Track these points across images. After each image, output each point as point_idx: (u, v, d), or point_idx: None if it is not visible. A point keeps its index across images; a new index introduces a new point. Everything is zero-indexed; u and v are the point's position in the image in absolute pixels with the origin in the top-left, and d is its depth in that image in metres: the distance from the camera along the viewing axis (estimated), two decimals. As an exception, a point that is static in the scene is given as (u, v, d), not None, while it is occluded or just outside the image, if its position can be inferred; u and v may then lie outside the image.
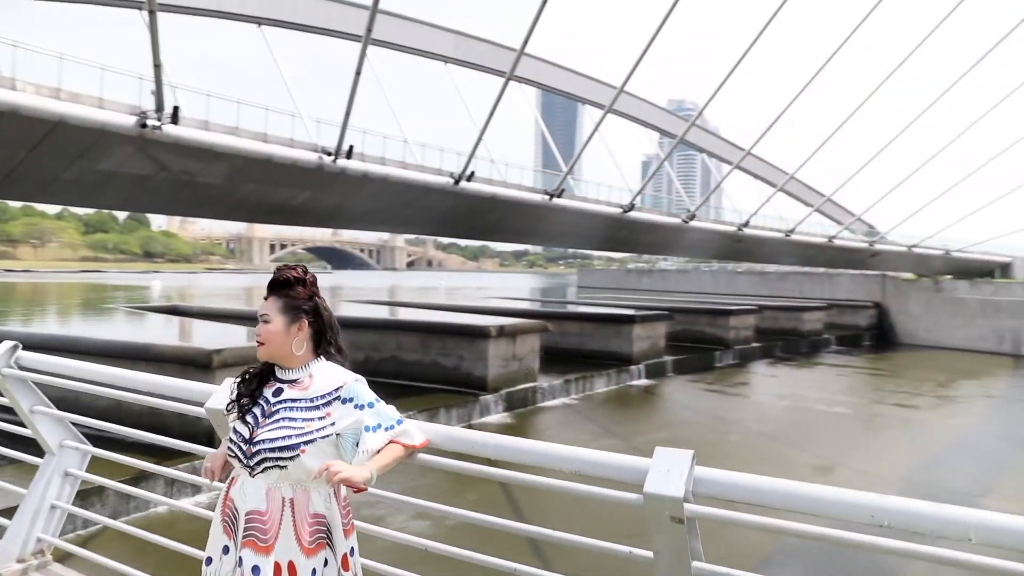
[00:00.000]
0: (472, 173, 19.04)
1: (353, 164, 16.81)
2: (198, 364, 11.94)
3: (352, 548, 2.08)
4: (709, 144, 34.54)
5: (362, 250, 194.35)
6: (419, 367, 17.60)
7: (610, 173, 28.36)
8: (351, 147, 16.62)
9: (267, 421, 2.03)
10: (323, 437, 2.00)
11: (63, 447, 3.04)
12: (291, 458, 1.96)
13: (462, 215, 22.06)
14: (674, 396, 21.13)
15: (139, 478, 8.97)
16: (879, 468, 13.76)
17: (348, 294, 42.76)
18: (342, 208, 20.05)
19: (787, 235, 31.12)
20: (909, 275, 42.01)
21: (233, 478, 2.09)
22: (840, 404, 20.73)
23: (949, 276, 41.30)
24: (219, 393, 2.45)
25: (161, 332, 17.71)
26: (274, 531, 1.96)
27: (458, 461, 2.18)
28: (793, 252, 35.28)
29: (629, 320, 22.83)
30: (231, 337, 15.68)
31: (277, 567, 1.94)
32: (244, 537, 1.97)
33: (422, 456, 2.14)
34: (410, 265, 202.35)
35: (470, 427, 13.97)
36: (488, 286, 67.95)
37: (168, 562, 3.64)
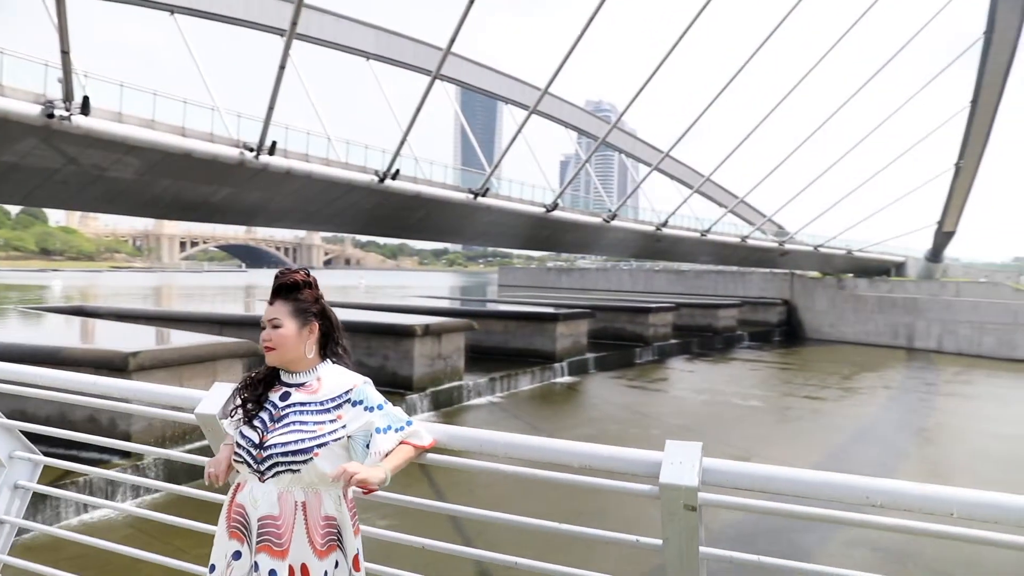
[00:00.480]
0: (397, 171, 18.84)
1: (276, 160, 16.37)
2: (113, 367, 11.46)
3: (358, 548, 2.09)
4: (627, 144, 35.29)
5: (278, 248, 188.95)
6: (344, 367, 17.33)
7: (530, 172, 28.65)
8: (274, 143, 16.17)
9: (277, 426, 2.03)
10: (335, 440, 2.02)
11: (13, 458, 2.89)
12: (304, 462, 1.97)
13: (386, 213, 21.81)
14: (597, 392, 21.56)
15: (71, 482, 8.77)
16: (792, 457, 14.48)
17: (265, 294, 41.47)
18: (263, 205, 19.49)
19: (703, 235, 32.20)
20: (815, 273, 44.21)
21: (239, 483, 2.08)
22: (754, 397, 21.66)
23: (851, 274, 43.67)
24: (209, 398, 2.40)
25: (67, 334, 16.82)
26: (288, 535, 1.96)
27: (465, 459, 2.22)
28: (709, 251, 36.49)
29: (552, 318, 23.16)
30: (143, 339, 15.13)
31: (291, 570, 1.95)
32: (259, 542, 1.97)
33: (430, 456, 2.17)
34: (327, 263, 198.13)
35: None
36: (410, 285, 67.52)
37: (115, 567, 3.53)
